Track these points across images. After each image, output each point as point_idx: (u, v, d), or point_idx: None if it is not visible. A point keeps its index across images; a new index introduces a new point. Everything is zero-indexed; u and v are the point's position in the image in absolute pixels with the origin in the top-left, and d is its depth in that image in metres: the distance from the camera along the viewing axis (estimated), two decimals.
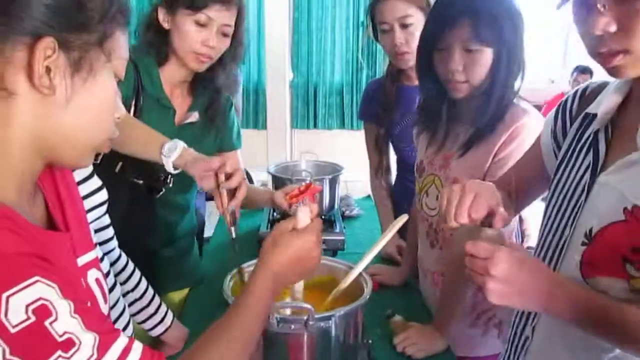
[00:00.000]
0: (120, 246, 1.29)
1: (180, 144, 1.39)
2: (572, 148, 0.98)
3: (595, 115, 0.93)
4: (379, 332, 1.48)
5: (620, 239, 0.81)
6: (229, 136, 1.81)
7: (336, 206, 2.09)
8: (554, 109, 1.07)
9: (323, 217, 2.06)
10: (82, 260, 0.78)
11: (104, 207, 1.12)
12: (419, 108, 1.58)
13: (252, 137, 5.20)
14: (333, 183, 2.02)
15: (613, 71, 0.81)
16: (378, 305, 1.62)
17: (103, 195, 1.10)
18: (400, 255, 1.90)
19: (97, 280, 0.81)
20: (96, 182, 1.09)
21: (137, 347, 0.64)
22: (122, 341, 0.63)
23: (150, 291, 1.36)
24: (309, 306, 0.95)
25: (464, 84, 1.35)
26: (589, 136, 0.94)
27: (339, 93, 5.78)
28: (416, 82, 1.97)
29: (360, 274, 1.16)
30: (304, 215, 0.90)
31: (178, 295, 1.80)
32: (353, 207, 2.43)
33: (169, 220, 1.72)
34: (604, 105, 0.91)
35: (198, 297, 1.74)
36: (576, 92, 1.03)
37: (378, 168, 2.12)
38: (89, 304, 0.66)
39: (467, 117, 1.45)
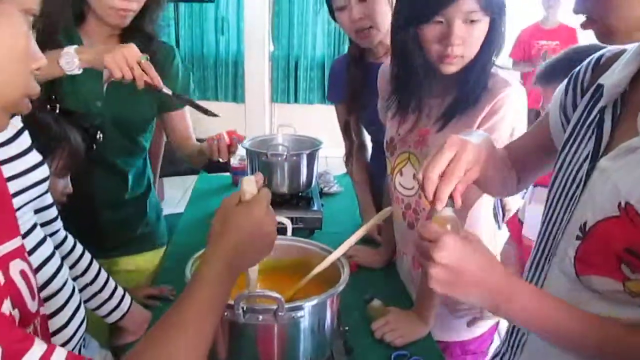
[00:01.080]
0: (63, 212, 1.20)
1: (72, 50, 1.28)
2: (579, 124, 0.86)
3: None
4: (357, 317, 1.40)
5: (615, 236, 0.72)
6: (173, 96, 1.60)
7: (314, 183, 1.99)
8: (565, 80, 0.96)
9: (300, 194, 1.96)
10: (0, 251, 0.67)
11: (45, 185, 0.99)
12: (392, 87, 1.45)
13: (230, 111, 5.07)
14: (311, 158, 1.91)
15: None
16: (356, 289, 1.53)
17: (43, 171, 0.97)
18: (380, 236, 1.81)
19: (22, 272, 0.70)
20: (35, 157, 0.96)
21: (60, 355, 0.54)
22: (37, 350, 0.52)
23: (104, 275, 1.25)
24: (278, 295, 0.85)
25: (459, 58, 1.25)
26: (597, 113, 0.83)
27: (320, 67, 5.66)
28: (383, 59, 1.87)
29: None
30: (248, 185, 0.80)
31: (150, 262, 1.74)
32: (332, 184, 2.34)
33: (110, 184, 1.63)
34: (614, 77, 0.79)
35: (169, 270, 1.66)
36: (590, 61, 0.91)
37: (350, 152, 2.01)
38: (7, 301, 0.55)
39: (441, 90, 1.34)
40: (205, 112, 1.52)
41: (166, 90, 1.40)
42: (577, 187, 0.80)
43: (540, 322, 0.76)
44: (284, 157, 1.84)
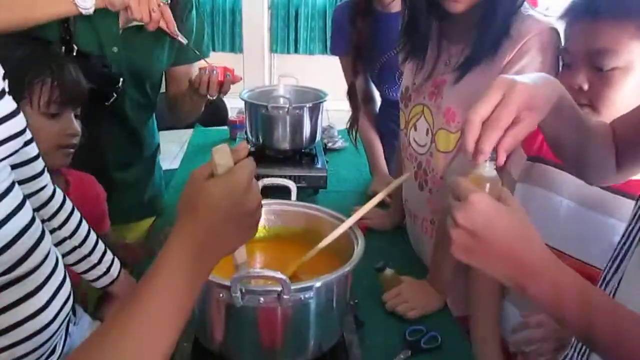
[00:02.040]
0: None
1: None
2: None
3: None
4: (366, 286, 1.27)
5: None
6: (185, 46, 1.50)
7: (318, 138, 1.84)
8: None
9: (303, 150, 1.82)
10: None
11: (25, 136, 0.84)
12: (402, 29, 1.31)
13: (228, 61, 4.82)
14: (315, 111, 1.76)
15: None
16: (365, 255, 1.41)
17: (19, 122, 0.82)
18: (390, 197, 1.67)
19: None
20: (7, 105, 0.81)
21: None
22: None
23: (93, 236, 1.13)
24: (282, 276, 0.71)
25: None
26: None
27: (322, 15, 5.42)
28: (393, 7, 1.70)
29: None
30: (221, 157, 0.64)
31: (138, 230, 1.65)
32: (336, 139, 2.20)
33: (122, 142, 1.53)
34: None
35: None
36: None
37: (355, 119, 1.86)
38: None
39: (462, 34, 1.19)
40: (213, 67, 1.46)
41: (181, 39, 1.38)
42: None
43: (572, 307, 0.63)
44: (286, 110, 1.69)
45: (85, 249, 1.11)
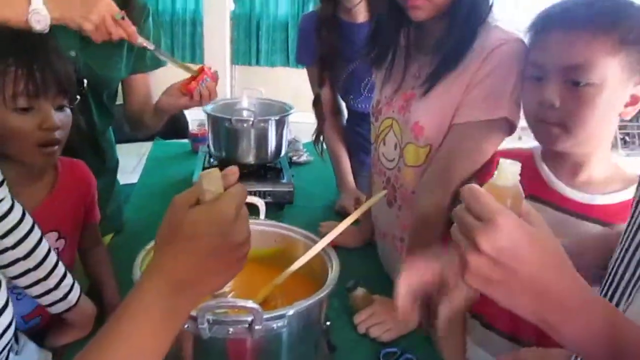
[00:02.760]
0: None
1: (40, 2, 1.11)
2: None
3: None
4: (338, 307, 1.23)
5: None
6: (144, 54, 1.49)
7: (283, 152, 1.79)
8: None
9: (269, 164, 1.76)
10: None
11: None
12: (370, 37, 1.29)
13: (188, 73, 4.76)
14: (280, 125, 1.71)
15: None
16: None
17: None
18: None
19: None
20: None
21: None
22: None
23: (53, 258, 1.03)
24: (254, 306, 0.65)
25: (425, 1, 1.07)
26: None
27: (284, 27, 5.40)
28: (359, 17, 1.68)
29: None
30: (210, 183, 0.58)
31: None
32: (302, 153, 2.16)
33: (86, 155, 1.41)
34: None
35: (120, 248, 1.46)
36: None
37: (320, 131, 1.82)
38: None
39: (429, 46, 1.17)
40: (187, 68, 1.41)
41: (147, 45, 1.33)
42: None
43: (603, 344, 0.54)
44: (250, 123, 1.64)
45: (41, 272, 1.02)
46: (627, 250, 0.69)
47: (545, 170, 1.02)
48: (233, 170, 0.60)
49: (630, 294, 0.65)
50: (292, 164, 2.05)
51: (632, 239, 0.68)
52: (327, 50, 1.70)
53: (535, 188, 1.01)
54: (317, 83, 1.78)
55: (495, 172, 0.57)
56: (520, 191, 0.57)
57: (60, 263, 1.06)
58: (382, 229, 1.38)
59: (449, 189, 1.11)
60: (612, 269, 0.71)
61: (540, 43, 0.99)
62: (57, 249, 1.14)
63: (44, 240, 1.02)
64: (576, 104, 0.92)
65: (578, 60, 0.91)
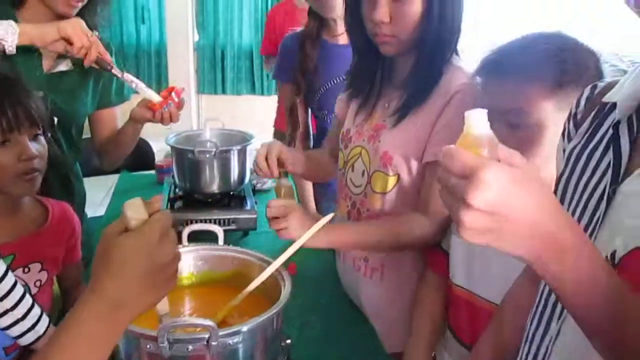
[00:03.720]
0: None
1: (13, 23, 1.20)
2: (579, 149, 0.74)
3: (614, 105, 0.70)
4: (298, 326, 1.29)
5: None
6: (109, 89, 1.59)
7: (246, 180, 1.86)
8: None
9: (232, 192, 1.83)
10: None
11: None
12: (350, 69, 1.38)
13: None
14: (242, 154, 1.78)
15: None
16: (296, 295, 1.43)
17: None
18: None
19: None
20: None
21: None
22: None
23: (19, 290, 1.08)
24: (209, 323, 0.72)
25: (391, 38, 1.17)
26: (606, 131, 0.70)
27: (248, 56, 5.49)
28: (340, 39, 1.79)
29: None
30: (132, 210, 0.64)
31: None
32: (265, 180, 2.21)
33: (55, 188, 1.47)
34: (626, 90, 0.68)
35: (89, 280, 1.48)
36: (581, 95, 0.80)
37: (292, 137, 1.91)
38: None
39: (400, 80, 1.27)
40: (152, 96, 1.53)
41: (115, 71, 1.43)
42: (593, 215, 0.67)
43: (607, 287, 0.56)
44: (213, 153, 1.70)
45: (8, 302, 1.06)
46: None
47: None
48: (157, 199, 0.68)
49: (562, 311, 0.72)
50: (255, 191, 2.11)
51: None
52: (306, 66, 1.80)
53: None
54: (292, 97, 1.88)
55: (465, 126, 0.58)
56: (492, 136, 0.57)
57: (27, 295, 1.11)
58: (343, 251, 1.45)
59: (433, 222, 1.21)
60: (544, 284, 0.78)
61: (485, 87, 1.07)
62: (40, 280, 1.19)
63: (9, 273, 1.07)
64: (518, 143, 0.94)
65: (513, 106, 0.98)
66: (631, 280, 0.60)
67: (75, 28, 1.28)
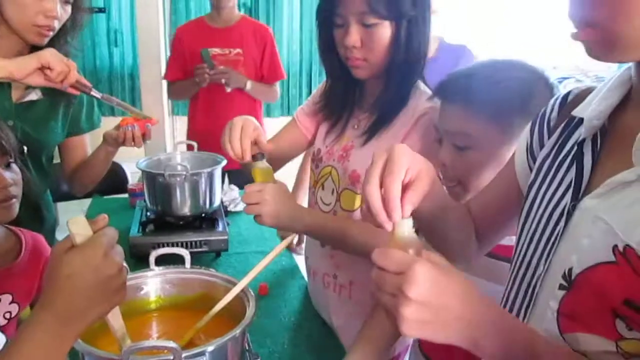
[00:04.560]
0: None
1: None
2: (550, 161, 0.77)
3: (582, 120, 0.73)
4: (270, 344, 1.32)
5: (611, 286, 0.61)
6: (78, 117, 1.62)
7: (217, 202, 1.88)
8: (530, 121, 0.88)
9: (204, 215, 1.85)
10: None
11: None
12: (324, 93, 1.42)
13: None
14: (212, 177, 1.81)
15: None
16: (269, 314, 1.46)
17: None
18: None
19: None
20: None
21: None
22: None
23: None
24: (172, 345, 0.74)
25: (363, 62, 1.23)
26: (573, 146, 0.74)
27: None
28: None
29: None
30: (75, 227, 0.68)
31: None
32: (238, 201, 2.24)
33: (25, 218, 1.44)
34: (594, 108, 0.71)
35: None
36: (556, 99, 0.84)
37: None
38: None
39: (369, 102, 1.32)
40: (137, 113, 1.60)
41: (95, 93, 1.48)
42: (554, 229, 0.71)
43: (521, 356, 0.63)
44: (184, 177, 1.73)
45: None
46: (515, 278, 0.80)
47: None
48: (103, 216, 0.72)
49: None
50: (227, 212, 2.14)
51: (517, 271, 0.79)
52: None
53: None
54: None
55: (394, 230, 0.67)
56: (417, 239, 0.67)
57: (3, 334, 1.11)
58: (314, 268, 1.48)
59: None
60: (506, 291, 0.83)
61: (440, 110, 1.12)
62: (10, 312, 1.20)
63: None
64: (462, 164, 1.04)
65: (456, 129, 1.04)
66: (586, 298, 0.64)
67: (53, 55, 1.31)
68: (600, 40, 0.61)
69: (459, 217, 0.93)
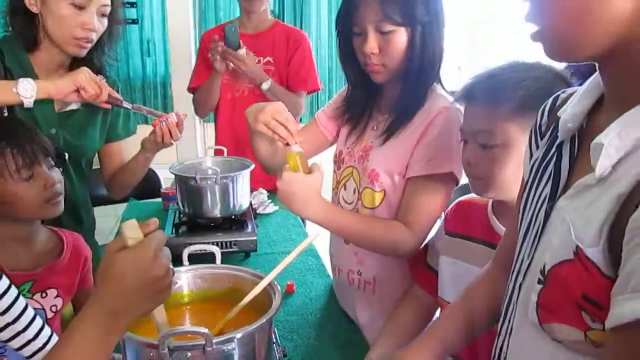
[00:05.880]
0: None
1: (31, 81, 1.31)
2: (538, 163, 0.82)
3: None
4: (297, 340, 1.38)
5: (571, 281, 0.66)
6: (115, 124, 1.72)
7: (247, 204, 1.95)
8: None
9: (234, 217, 1.92)
10: None
11: None
12: (345, 97, 1.50)
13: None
14: (242, 180, 1.88)
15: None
16: (294, 311, 1.52)
17: None
18: None
19: None
20: None
21: None
22: None
23: (30, 312, 1.17)
24: (204, 330, 0.81)
25: (381, 67, 1.30)
26: (555, 150, 0.78)
27: None
28: None
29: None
30: (129, 230, 0.74)
31: None
32: (266, 204, 2.31)
33: (64, 219, 1.56)
34: (568, 111, 0.75)
35: None
36: (545, 105, 0.88)
37: None
38: None
39: (387, 105, 1.40)
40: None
41: (126, 105, 1.55)
42: (538, 228, 0.76)
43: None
44: (214, 180, 1.80)
45: (19, 325, 1.15)
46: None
47: (493, 218, 1.17)
48: (153, 221, 0.77)
49: (512, 307, 0.81)
50: (257, 214, 2.21)
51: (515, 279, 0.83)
52: None
53: (486, 234, 1.17)
54: None
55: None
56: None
57: (37, 317, 1.20)
58: (338, 265, 1.53)
59: (412, 232, 1.30)
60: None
61: (464, 112, 1.18)
62: (55, 305, 1.29)
63: (21, 299, 1.16)
64: (487, 162, 1.10)
65: (480, 127, 1.10)
66: (556, 292, 0.69)
67: (87, 77, 1.39)
68: (550, 41, 0.66)
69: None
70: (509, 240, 0.94)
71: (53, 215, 1.30)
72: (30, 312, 1.17)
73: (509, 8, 4.61)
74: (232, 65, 2.31)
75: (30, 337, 1.17)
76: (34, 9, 1.44)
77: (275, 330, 1.28)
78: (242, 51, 2.29)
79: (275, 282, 1.04)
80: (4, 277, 1.13)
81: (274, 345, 1.15)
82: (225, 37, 2.28)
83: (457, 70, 5.91)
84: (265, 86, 2.32)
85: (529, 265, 0.76)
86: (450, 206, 1.31)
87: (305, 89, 2.46)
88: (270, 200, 2.34)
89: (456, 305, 1.04)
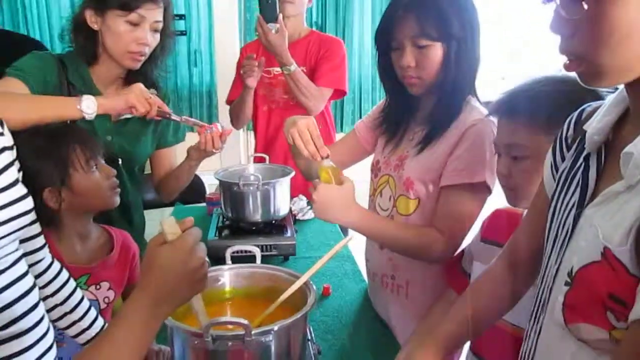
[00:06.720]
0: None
1: (92, 98, 1.41)
2: (564, 173, 0.87)
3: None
4: (331, 340, 1.44)
5: (598, 282, 0.71)
6: (166, 132, 1.83)
7: (286, 209, 2.03)
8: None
9: (274, 222, 2.01)
10: None
11: (30, 216, 1.03)
12: (384, 109, 1.57)
13: None
14: (282, 186, 1.96)
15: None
16: (329, 313, 1.58)
17: (28, 203, 1.01)
18: None
19: None
20: (19, 190, 1.00)
21: None
22: None
23: (85, 303, 1.28)
24: (244, 321, 0.89)
25: (417, 80, 1.36)
26: (582, 161, 0.83)
27: None
28: None
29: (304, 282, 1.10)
30: (168, 227, 0.81)
31: None
32: (306, 210, 2.38)
33: (117, 220, 1.69)
34: (594, 125, 0.80)
35: None
36: (571, 118, 0.92)
37: None
38: None
39: (423, 117, 1.45)
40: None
41: (174, 117, 1.64)
42: (566, 234, 0.80)
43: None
44: (256, 186, 1.89)
45: (75, 315, 1.25)
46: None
47: None
48: (189, 219, 0.85)
49: (540, 310, 0.86)
50: (296, 220, 2.28)
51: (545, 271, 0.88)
52: None
53: None
54: None
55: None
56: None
57: (92, 307, 1.30)
58: (373, 270, 1.60)
59: (446, 239, 1.36)
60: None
61: (497, 125, 1.23)
62: (108, 297, 1.40)
63: (78, 291, 1.26)
64: (518, 173, 1.15)
65: (511, 141, 1.15)
66: (583, 293, 0.74)
67: (138, 96, 1.49)
68: (587, 71, 0.71)
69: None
70: (518, 240, 1.01)
71: (113, 205, 1.42)
72: (85, 304, 1.28)
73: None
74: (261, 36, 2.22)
75: (85, 326, 1.27)
76: (95, 27, 1.58)
77: (311, 329, 1.35)
78: (275, 26, 2.18)
79: (311, 282, 1.11)
80: (64, 270, 1.24)
81: (309, 342, 1.22)
82: (260, 7, 2.18)
83: (501, 80, 5.91)
84: (289, 69, 2.26)
85: (557, 269, 0.81)
86: (488, 214, 1.36)
87: (328, 85, 2.40)
88: (309, 207, 2.41)
89: (461, 302, 1.09)
